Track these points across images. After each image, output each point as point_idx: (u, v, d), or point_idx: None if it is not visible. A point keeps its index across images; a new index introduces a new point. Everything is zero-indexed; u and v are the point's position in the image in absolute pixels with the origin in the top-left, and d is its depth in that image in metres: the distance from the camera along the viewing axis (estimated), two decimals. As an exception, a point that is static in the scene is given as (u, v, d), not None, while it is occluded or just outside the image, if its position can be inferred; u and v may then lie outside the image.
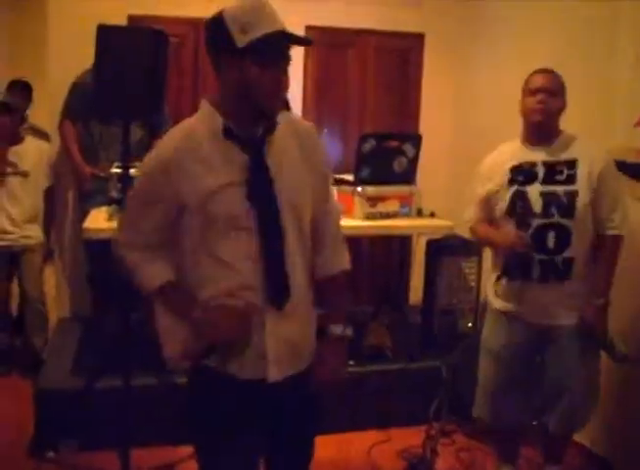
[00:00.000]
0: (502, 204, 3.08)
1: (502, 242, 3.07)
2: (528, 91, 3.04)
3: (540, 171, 3.02)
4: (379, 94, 5.55)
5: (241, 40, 1.88)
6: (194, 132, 1.98)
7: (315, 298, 2.18)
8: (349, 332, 2.23)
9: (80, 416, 3.57)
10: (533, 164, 3.04)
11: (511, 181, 3.06)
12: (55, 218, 4.98)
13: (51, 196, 4.89)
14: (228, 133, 1.95)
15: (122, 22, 4.60)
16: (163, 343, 2.13)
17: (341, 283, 2.22)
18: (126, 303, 3.34)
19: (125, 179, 3.25)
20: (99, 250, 4.32)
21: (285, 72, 1.96)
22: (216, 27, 1.92)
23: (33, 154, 4.75)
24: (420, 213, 4.41)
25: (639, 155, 3.39)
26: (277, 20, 1.95)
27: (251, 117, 1.97)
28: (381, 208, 4.25)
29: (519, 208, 3.02)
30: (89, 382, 3.50)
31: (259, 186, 1.96)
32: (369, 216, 4.20)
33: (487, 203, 3.18)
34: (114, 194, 3.75)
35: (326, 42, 5.29)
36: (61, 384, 3.76)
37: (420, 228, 4.44)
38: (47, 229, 4.88)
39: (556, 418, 3.16)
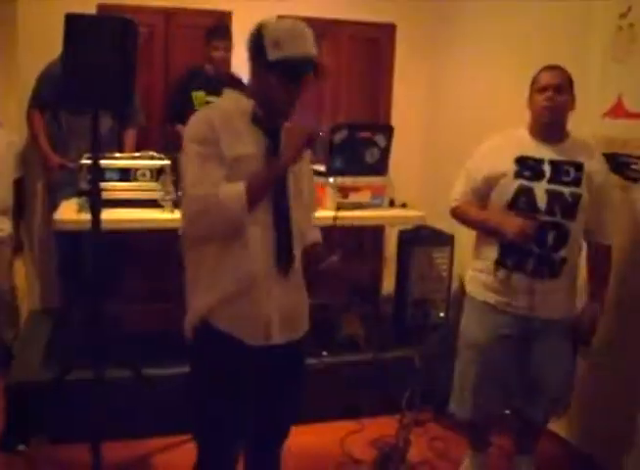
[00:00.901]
0: (504, 195, 3.04)
1: (511, 229, 2.95)
2: (536, 89, 3.01)
3: (547, 170, 3.00)
4: (352, 84, 5.55)
5: (272, 54, 2.24)
6: (229, 110, 2.34)
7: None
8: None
9: (51, 409, 3.55)
10: (540, 161, 3.01)
11: (517, 174, 3.02)
12: (24, 210, 4.92)
13: (20, 187, 4.83)
14: (256, 118, 2.33)
15: (91, 11, 4.55)
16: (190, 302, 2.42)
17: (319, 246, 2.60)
18: (97, 294, 3.31)
19: (95, 170, 3.21)
20: (69, 242, 4.31)
21: (299, 89, 2.32)
22: (255, 36, 2.32)
23: (2, 145, 4.68)
24: (392, 204, 4.42)
25: (609, 145, 3.42)
26: (308, 45, 2.29)
27: (272, 114, 2.35)
28: (353, 198, 4.25)
29: (522, 203, 3.00)
30: (60, 375, 3.47)
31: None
32: (341, 207, 4.19)
33: (484, 186, 3.12)
34: (84, 185, 3.72)
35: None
36: (31, 377, 3.73)
37: (392, 219, 4.46)
38: (16, 221, 4.82)
39: (538, 410, 3.19)
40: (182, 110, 4.82)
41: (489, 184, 3.10)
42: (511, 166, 3.03)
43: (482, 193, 3.13)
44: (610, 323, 3.40)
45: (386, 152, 4.39)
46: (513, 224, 2.95)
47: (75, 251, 4.27)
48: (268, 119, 2.34)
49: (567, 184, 2.98)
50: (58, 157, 4.55)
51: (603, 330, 3.22)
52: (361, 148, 4.32)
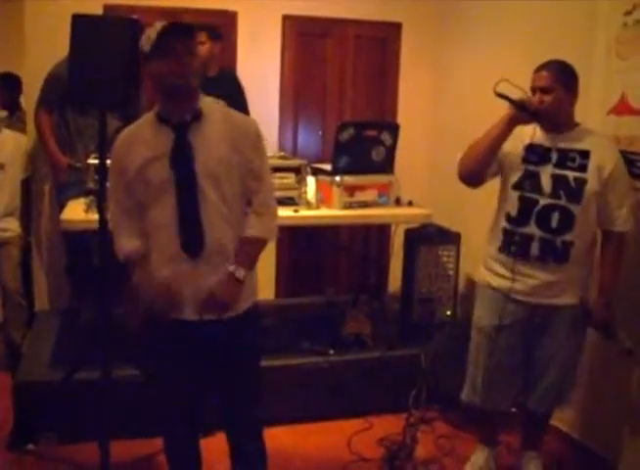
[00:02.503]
0: (512, 178, 3.14)
1: (506, 113, 3.05)
2: (531, 90, 3.09)
3: (554, 156, 3.09)
4: (357, 83, 5.55)
5: (145, 46, 2.46)
6: (140, 122, 2.64)
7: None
8: (240, 273, 2.59)
9: (60, 409, 3.57)
10: (548, 149, 3.10)
11: (524, 160, 3.12)
12: (32, 210, 4.94)
13: (28, 188, 4.85)
14: (159, 118, 2.54)
15: (98, 11, 4.57)
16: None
17: (249, 243, 2.65)
18: (105, 294, 3.32)
19: (102, 170, 3.23)
20: (76, 241, 4.33)
21: (181, 57, 2.44)
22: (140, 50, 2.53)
23: (10, 146, 4.71)
24: (398, 202, 4.42)
25: (615, 142, 3.41)
26: (166, 21, 2.48)
27: (174, 105, 2.52)
28: (359, 197, 4.25)
29: (527, 185, 3.09)
30: (68, 374, 3.49)
31: (180, 157, 2.50)
32: (347, 206, 4.20)
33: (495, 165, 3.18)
34: (92, 185, 3.73)
35: (303, 32, 5.29)
36: (40, 377, 3.75)
37: (398, 217, 4.45)
38: (24, 221, 4.85)
39: (536, 397, 3.22)
40: None
41: (501, 168, 3.18)
42: (520, 152, 3.12)
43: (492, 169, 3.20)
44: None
45: (392, 150, 4.39)
46: (501, 117, 3.07)
47: (83, 250, 4.28)
48: (173, 115, 2.52)
49: (572, 169, 3.05)
50: (65, 157, 4.56)
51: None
52: (367, 146, 4.32)
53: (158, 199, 2.53)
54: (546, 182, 3.06)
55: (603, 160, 3.03)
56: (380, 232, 5.12)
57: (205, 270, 2.56)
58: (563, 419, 3.68)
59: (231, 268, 2.58)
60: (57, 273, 4.90)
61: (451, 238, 4.49)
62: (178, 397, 2.75)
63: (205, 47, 4.72)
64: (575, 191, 3.02)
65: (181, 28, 2.48)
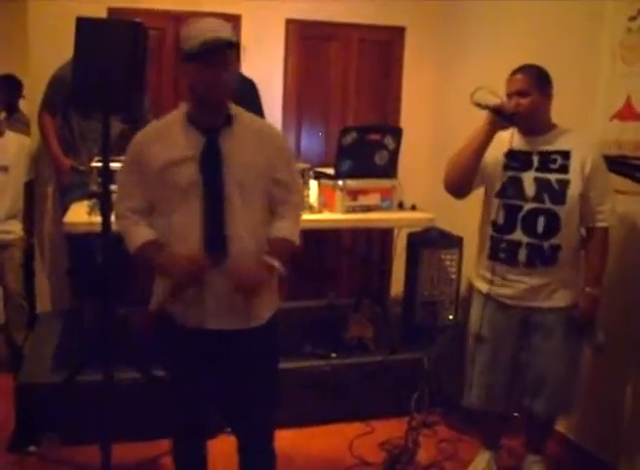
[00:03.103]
0: (495, 186, 3.16)
1: (485, 120, 3.11)
2: (507, 95, 3.12)
3: (535, 160, 3.10)
4: (360, 87, 5.55)
5: (186, 45, 2.40)
6: (166, 122, 2.54)
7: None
8: (280, 267, 2.55)
9: (62, 410, 3.57)
10: (528, 153, 3.12)
11: (506, 167, 3.14)
12: (35, 213, 4.95)
13: (31, 190, 4.86)
14: (190, 119, 2.47)
15: (102, 14, 4.57)
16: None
17: (281, 243, 2.61)
18: (107, 296, 3.33)
19: (106, 173, 3.23)
20: (79, 244, 4.33)
21: (221, 72, 2.40)
22: (177, 41, 2.52)
23: (13, 148, 4.71)
24: (401, 206, 4.43)
25: (618, 147, 3.42)
26: (217, 30, 2.43)
27: (207, 111, 2.48)
28: (362, 201, 4.26)
29: (510, 192, 3.11)
30: (70, 376, 3.49)
31: (210, 161, 2.44)
32: (350, 210, 4.21)
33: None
34: (95, 188, 3.74)
35: (307, 35, 5.30)
36: (42, 378, 3.75)
37: (401, 221, 4.45)
38: (27, 224, 4.85)
39: (540, 403, 3.22)
40: None
41: (483, 178, 3.20)
42: (500, 160, 3.15)
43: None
44: (618, 320, 3.41)
45: (395, 154, 4.40)
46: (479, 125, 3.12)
47: (85, 253, 4.28)
48: (204, 119, 2.47)
49: (553, 171, 3.07)
50: (68, 160, 4.57)
51: (611, 326, 3.22)
52: (370, 150, 4.32)
53: (182, 203, 2.45)
54: (529, 187, 3.08)
55: (583, 157, 3.04)
56: (382, 236, 5.11)
57: (227, 279, 2.48)
58: (562, 421, 3.67)
59: (268, 260, 2.53)
60: (59, 275, 4.91)
61: (454, 242, 4.49)
62: (192, 402, 2.69)
63: None
64: (559, 193, 3.04)
65: (230, 41, 2.44)
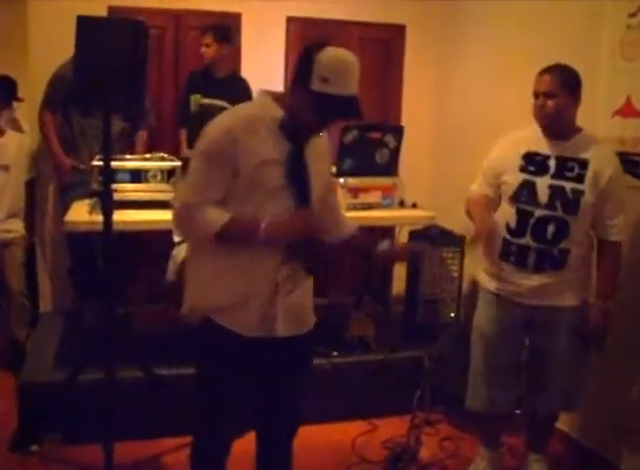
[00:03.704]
0: (509, 189, 3.13)
1: (477, 225, 3.09)
2: (533, 94, 3.06)
3: (552, 165, 3.06)
4: (361, 85, 5.49)
5: (316, 86, 2.26)
6: (253, 116, 2.36)
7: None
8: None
9: (64, 410, 3.57)
10: (547, 157, 3.07)
11: (522, 169, 3.11)
12: (36, 212, 4.95)
13: (32, 189, 4.86)
14: (283, 125, 2.35)
15: (102, 13, 4.57)
16: (186, 298, 2.50)
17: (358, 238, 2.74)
18: (109, 295, 3.33)
19: (106, 172, 3.23)
20: (81, 243, 4.33)
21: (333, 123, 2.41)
22: (305, 60, 2.31)
23: (14, 147, 4.72)
24: (402, 204, 4.43)
25: (620, 144, 3.42)
26: (352, 86, 2.33)
27: (300, 127, 2.38)
28: (363, 199, 4.26)
29: (523, 196, 3.08)
30: (72, 375, 3.49)
31: (295, 168, 2.37)
32: (351, 208, 4.20)
33: (493, 177, 3.22)
34: (96, 186, 3.74)
35: (307, 33, 5.29)
36: (44, 377, 3.75)
37: (402, 219, 4.45)
38: (28, 223, 4.85)
39: (544, 400, 3.22)
40: (183, 113, 4.86)
41: (499, 178, 3.18)
42: (518, 162, 3.11)
43: (494, 184, 3.22)
44: (620, 320, 3.40)
45: (396, 152, 4.39)
46: (479, 219, 3.11)
47: (87, 252, 4.28)
48: (295, 130, 2.36)
49: (569, 180, 3.03)
50: (69, 158, 4.57)
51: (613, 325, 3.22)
52: (371, 148, 4.32)
53: (265, 205, 2.33)
54: (542, 193, 3.04)
55: (601, 169, 3.00)
56: (384, 234, 5.11)
57: (293, 285, 2.44)
58: (564, 420, 3.67)
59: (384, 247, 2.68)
60: (61, 274, 4.91)
61: (455, 240, 4.49)
62: (236, 410, 2.55)
63: (210, 49, 4.73)
64: (572, 202, 3.00)
65: (354, 103, 2.36)
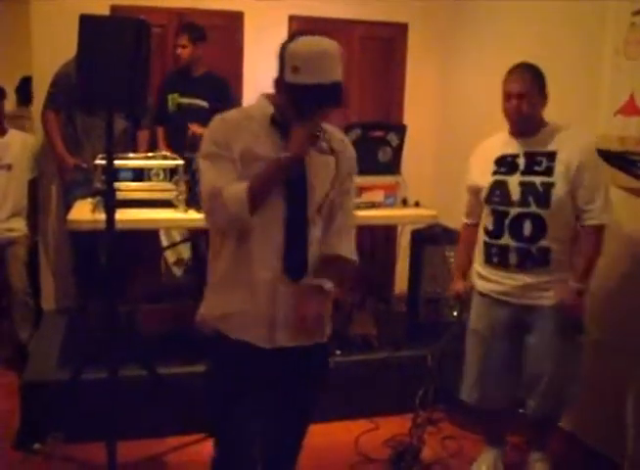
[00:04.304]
0: (483, 192, 3.18)
1: (449, 290, 3.51)
2: (503, 94, 3.10)
3: (521, 162, 3.10)
4: (363, 84, 5.55)
5: (288, 77, 2.21)
6: (249, 114, 2.36)
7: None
8: (330, 287, 2.36)
9: (67, 408, 3.57)
10: (516, 156, 3.12)
11: (494, 172, 3.16)
12: (39, 210, 4.95)
13: (35, 188, 4.87)
14: (274, 121, 2.29)
15: (105, 12, 4.57)
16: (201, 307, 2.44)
17: (340, 263, 2.43)
18: (111, 294, 3.33)
19: (109, 170, 3.23)
20: (83, 242, 4.34)
21: (319, 115, 2.25)
22: (279, 53, 2.30)
23: (17, 146, 4.72)
24: (405, 203, 4.42)
25: (621, 143, 3.41)
26: (327, 72, 2.22)
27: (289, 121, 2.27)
28: (365, 198, 4.25)
29: (496, 196, 3.13)
30: (75, 374, 3.50)
31: (295, 178, 2.28)
32: (354, 206, 4.19)
33: (475, 191, 3.28)
34: (99, 185, 3.74)
35: (310, 32, 5.27)
36: (47, 376, 3.75)
37: (404, 218, 4.45)
38: (31, 221, 4.86)
39: (536, 401, 3.22)
40: (160, 112, 4.86)
41: (476, 190, 3.26)
42: (490, 168, 3.18)
43: (473, 201, 3.34)
44: (621, 317, 3.40)
45: (398, 151, 4.39)
46: (451, 288, 3.50)
47: (90, 250, 4.29)
48: (287, 124, 2.26)
49: (539, 174, 3.06)
50: (72, 157, 4.58)
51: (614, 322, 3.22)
52: (374, 147, 4.32)
53: (260, 218, 2.25)
54: (514, 191, 3.08)
55: (569, 156, 3.01)
56: (386, 233, 5.11)
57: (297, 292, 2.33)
58: (566, 418, 3.66)
59: (319, 281, 2.35)
60: (64, 273, 4.91)
61: (457, 239, 4.47)
62: (247, 435, 2.44)
63: (186, 50, 4.75)
64: (543, 196, 3.03)
65: (334, 91, 2.26)
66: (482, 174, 3.20)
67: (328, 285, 2.36)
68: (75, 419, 3.57)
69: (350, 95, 5.53)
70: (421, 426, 3.51)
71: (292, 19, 5.22)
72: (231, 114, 2.37)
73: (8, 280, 4.72)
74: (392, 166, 4.38)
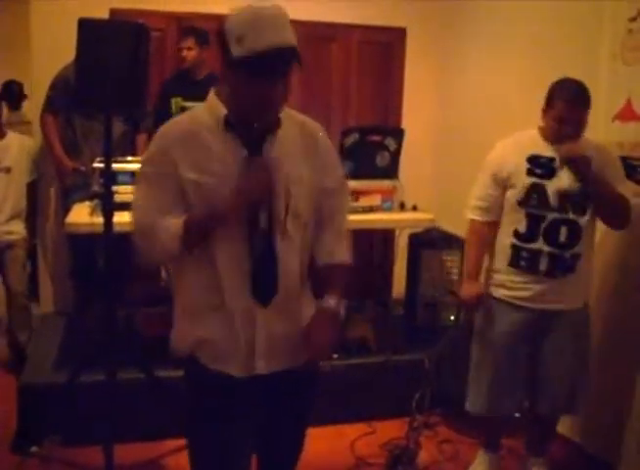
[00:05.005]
0: (516, 192, 3.11)
1: (463, 293, 3.28)
2: (554, 116, 3.01)
3: (558, 168, 3.06)
4: (362, 88, 5.56)
5: (235, 51, 1.89)
6: (198, 120, 2.03)
7: (313, 288, 2.22)
8: (343, 309, 2.16)
9: (64, 411, 3.57)
10: (552, 159, 3.07)
11: (529, 172, 3.09)
12: (37, 213, 4.96)
13: (34, 191, 4.87)
14: (229, 125, 1.99)
15: (104, 15, 4.58)
16: (173, 332, 2.21)
17: (339, 271, 2.22)
18: (109, 297, 3.33)
19: (108, 174, 3.24)
20: (82, 244, 4.34)
21: (274, 87, 1.94)
22: (219, 34, 1.95)
23: (16, 149, 4.72)
24: (402, 207, 4.43)
25: (619, 148, 3.42)
26: (275, 34, 1.93)
27: (248, 118, 2.00)
28: (363, 202, 4.26)
29: (533, 200, 3.08)
30: (73, 377, 3.50)
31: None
32: (351, 211, 4.19)
33: (497, 187, 3.18)
34: (97, 188, 3.75)
35: (308, 36, 5.29)
36: (44, 379, 3.76)
37: (402, 222, 4.45)
38: (30, 224, 4.86)
39: (546, 402, 3.23)
40: (161, 117, 4.86)
41: (503, 184, 3.15)
42: (524, 164, 3.09)
43: (497, 196, 3.19)
44: (621, 323, 3.41)
45: (396, 155, 4.40)
46: (467, 287, 3.26)
47: (88, 253, 4.29)
48: (246, 128, 2.00)
49: (576, 181, 3.03)
50: (71, 160, 4.58)
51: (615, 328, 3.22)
52: (371, 151, 4.32)
53: (221, 233, 1.99)
54: (552, 196, 3.05)
55: (601, 166, 3.01)
56: (384, 237, 5.12)
57: (282, 315, 2.09)
58: (564, 423, 3.67)
59: (331, 303, 2.13)
60: (62, 276, 4.92)
61: (455, 243, 4.49)
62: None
63: (192, 53, 4.76)
64: (581, 202, 3.03)
65: (291, 53, 2.00)
66: (513, 165, 3.11)
67: (342, 311, 2.16)
68: (73, 422, 3.58)
69: (349, 99, 5.55)
70: (417, 430, 3.52)
71: (290, 23, 5.22)
72: (175, 123, 2.08)
73: (7, 283, 4.72)
74: (390, 171, 4.39)
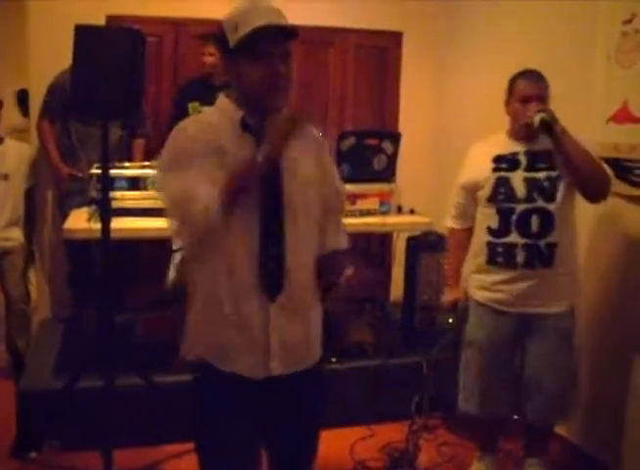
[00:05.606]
0: (485, 190, 3.16)
1: (444, 299, 3.54)
2: (517, 98, 3.07)
3: (522, 159, 3.11)
4: (358, 92, 5.57)
5: (234, 41, 1.98)
6: (211, 123, 2.09)
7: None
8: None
9: (63, 417, 3.57)
10: (515, 154, 3.13)
11: (494, 169, 3.15)
12: (35, 220, 4.96)
13: (31, 197, 4.87)
14: (245, 125, 2.04)
15: (101, 22, 4.59)
16: (185, 335, 2.20)
17: (343, 255, 2.29)
18: (107, 303, 3.34)
19: (105, 179, 3.25)
20: (79, 251, 4.35)
21: (277, 66, 2.00)
22: (219, 33, 2.04)
23: (13, 155, 4.73)
24: (400, 211, 4.44)
25: (615, 150, 3.43)
26: (265, 15, 1.99)
27: (260, 113, 2.05)
28: (360, 205, 4.27)
29: (500, 194, 3.11)
30: (71, 382, 3.50)
31: (268, 181, 2.03)
32: (348, 214, 4.21)
33: (468, 192, 3.27)
34: (94, 194, 3.75)
35: (305, 40, 5.30)
36: (43, 384, 3.75)
37: (399, 225, 4.46)
38: (27, 231, 4.86)
39: (534, 408, 3.22)
40: (177, 122, 4.86)
41: (473, 190, 3.24)
42: (489, 165, 3.16)
43: (468, 204, 3.30)
44: (618, 323, 3.42)
45: (393, 159, 4.41)
46: (450, 292, 3.49)
47: (85, 260, 4.30)
48: (260, 126, 2.05)
49: (541, 170, 3.08)
50: (67, 166, 4.59)
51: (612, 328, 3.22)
52: (368, 155, 4.33)
53: (232, 230, 2.02)
54: (519, 187, 3.08)
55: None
56: (381, 240, 5.13)
57: (293, 314, 2.13)
58: (562, 424, 3.68)
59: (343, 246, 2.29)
60: (59, 282, 4.92)
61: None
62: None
63: (213, 58, 4.76)
64: (549, 190, 3.05)
65: (281, 30, 2.04)
66: (480, 171, 3.18)
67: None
68: (72, 427, 3.57)
69: (345, 103, 5.56)
70: (417, 433, 3.52)
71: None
72: (191, 121, 2.15)
73: (5, 289, 4.72)
74: (387, 174, 4.40)
